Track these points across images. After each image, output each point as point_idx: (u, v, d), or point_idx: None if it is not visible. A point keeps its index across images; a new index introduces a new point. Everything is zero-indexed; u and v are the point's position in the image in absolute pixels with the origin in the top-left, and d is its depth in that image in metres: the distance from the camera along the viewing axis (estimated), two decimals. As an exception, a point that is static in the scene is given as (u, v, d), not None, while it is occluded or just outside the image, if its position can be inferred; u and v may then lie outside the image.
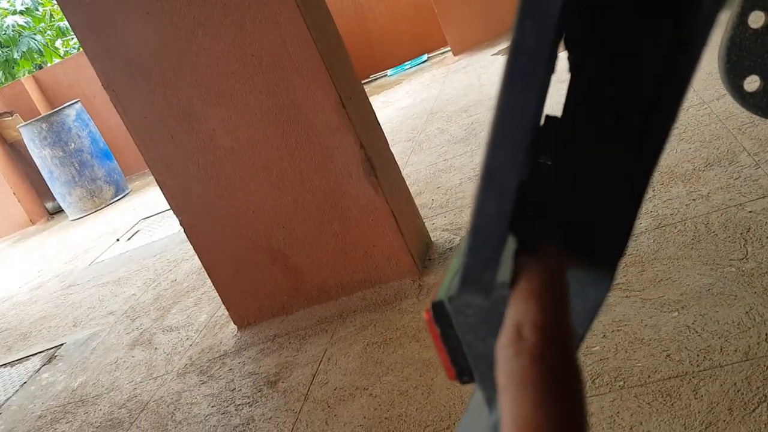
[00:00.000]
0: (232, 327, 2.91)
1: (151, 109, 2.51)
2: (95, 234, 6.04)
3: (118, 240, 5.40)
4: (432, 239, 2.82)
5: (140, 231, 5.42)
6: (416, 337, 2.24)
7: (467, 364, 0.30)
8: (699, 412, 1.46)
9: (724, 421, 1.41)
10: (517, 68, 0.21)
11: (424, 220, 2.86)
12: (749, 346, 1.58)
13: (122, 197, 7.30)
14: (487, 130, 0.22)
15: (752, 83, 0.38)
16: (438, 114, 4.91)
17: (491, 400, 0.30)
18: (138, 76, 2.45)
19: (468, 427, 0.34)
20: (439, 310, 0.29)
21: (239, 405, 2.36)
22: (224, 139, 2.50)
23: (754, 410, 1.40)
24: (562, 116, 0.24)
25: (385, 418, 1.93)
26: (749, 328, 1.63)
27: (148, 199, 6.52)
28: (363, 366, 2.23)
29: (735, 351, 1.58)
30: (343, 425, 1.98)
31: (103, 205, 7.18)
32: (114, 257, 4.97)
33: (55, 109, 7.11)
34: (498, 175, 0.22)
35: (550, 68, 0.21)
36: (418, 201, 2.88)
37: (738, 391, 1.46)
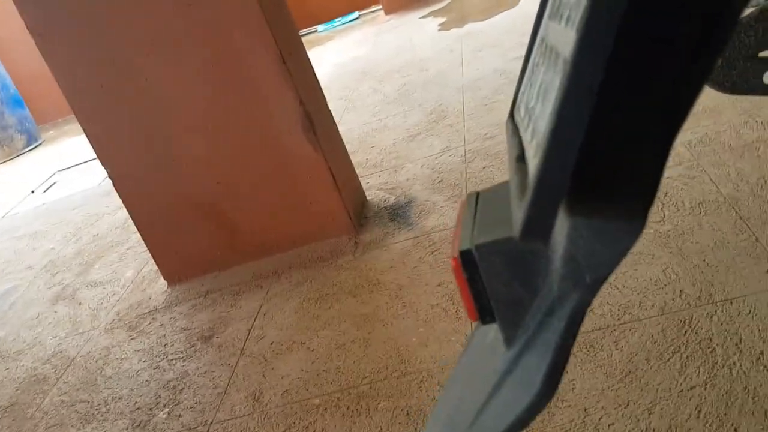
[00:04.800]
0: (162, 283, 2.87)
1: (80, 56, 2.40)
2: (7, 185, 5.74)
3: (33, 192, 5.16)
4: (367, 198, 2.86)
5: (57, 183, 5.19)
6: (353, 293, 2.29)
7: (489, 306, 0.33)
8: (619, 361, 1.58)
9: (642, 369, 1.53)
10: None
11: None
12: (665, 301, 1.71)
13: (35, 147, 6.94)
14: (557, 94, 0.25)
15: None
16: (370, 73, 4.90)
17: (510, 339, 0.33)
18: (67, 21, 2.33)
19: (471, 364, 0.38)
20: (466, 258, 0.32)
21: (172, 360, 2.35)
22: (158, 89, 2.43)
23: (669, 359, 1.53)
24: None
25: (323, 370, 1.98)
26: (665, 285, 1.76)
27: (64, 150, 6.23)
28: (299, 321, 2.26)
29: (652, 306, 1.71)
30: (280, 378, 2.02)
31: (14, 155, 6.81)
32: (29, 210, 4.75)
33: (-41, 51, 6.63)
34: (564, 136, 0.25)
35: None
36: (352, 160, 2.89)
37: (655, 343, 1.59)
